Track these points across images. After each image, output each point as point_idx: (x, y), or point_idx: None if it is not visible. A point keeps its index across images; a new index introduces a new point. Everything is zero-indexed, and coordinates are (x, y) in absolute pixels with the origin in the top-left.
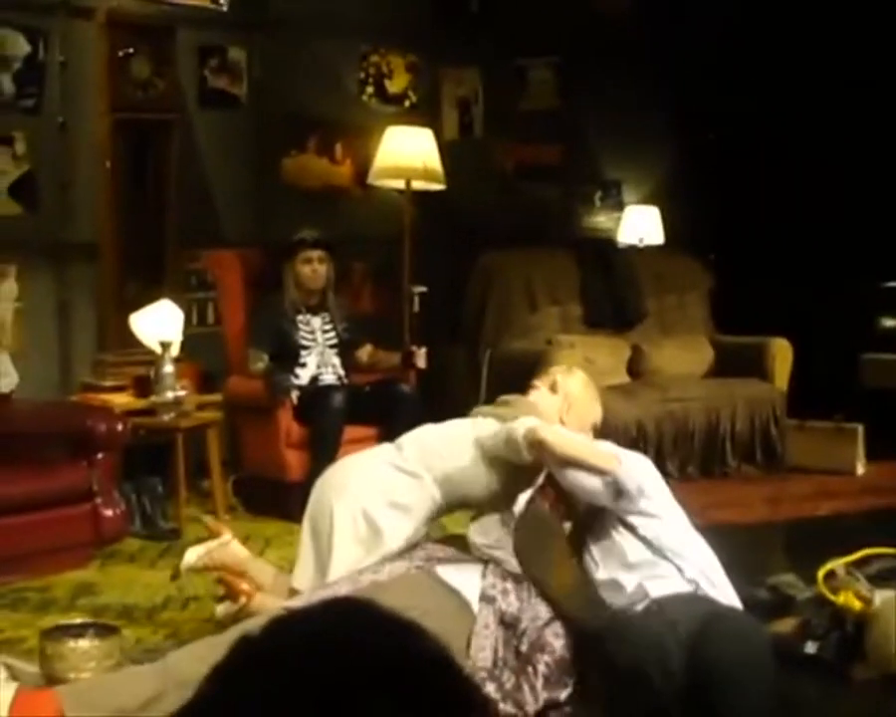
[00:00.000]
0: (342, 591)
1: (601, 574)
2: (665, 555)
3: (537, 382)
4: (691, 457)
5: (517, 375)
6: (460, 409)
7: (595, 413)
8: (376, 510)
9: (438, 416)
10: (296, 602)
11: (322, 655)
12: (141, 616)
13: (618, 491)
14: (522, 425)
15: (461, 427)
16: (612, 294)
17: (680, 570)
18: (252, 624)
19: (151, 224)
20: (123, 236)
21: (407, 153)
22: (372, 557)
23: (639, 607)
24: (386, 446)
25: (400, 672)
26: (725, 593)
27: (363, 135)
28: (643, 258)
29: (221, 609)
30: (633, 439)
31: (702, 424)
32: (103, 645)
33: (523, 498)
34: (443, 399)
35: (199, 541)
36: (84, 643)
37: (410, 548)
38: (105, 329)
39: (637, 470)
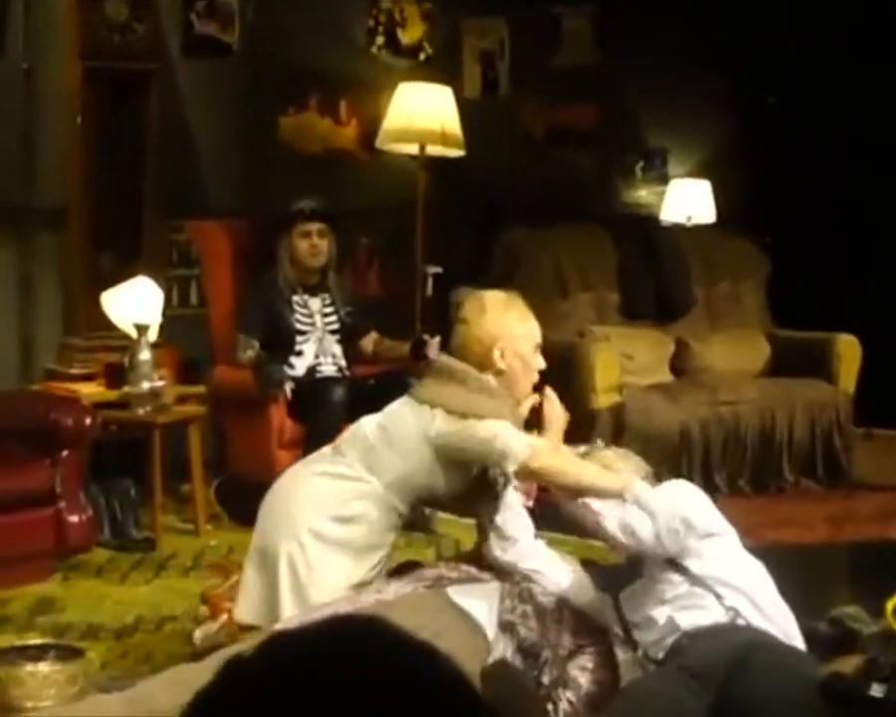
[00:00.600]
0: (342, 610)
1: (636, 615)
2: (705, 582)
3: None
4: (742, 469)
5: (544, 371)
6: None
7: (533, 333)
8: (324, 530)
9: None
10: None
11: (323, 677)
12: (109, 638)
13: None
14: (500, 440)
15: (403, 421)
16: (654, 280)
17: (719, 597)
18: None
19: (127, 189)
20: (95, 202)
21: (422, 114)
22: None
23: (668, 641)
24: (324, 451)
25: (412, 696)
26: (777, 622)
27: (372, 92)
28: (691, 239)
29: (200, 634)
30: (676, 448)
31: (755, 431)
32: (65, 670)
33: (513, 498)
34: None
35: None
36: (43, 667)
37: (416, 568)
38: (72, 308)
39: (681, 504)
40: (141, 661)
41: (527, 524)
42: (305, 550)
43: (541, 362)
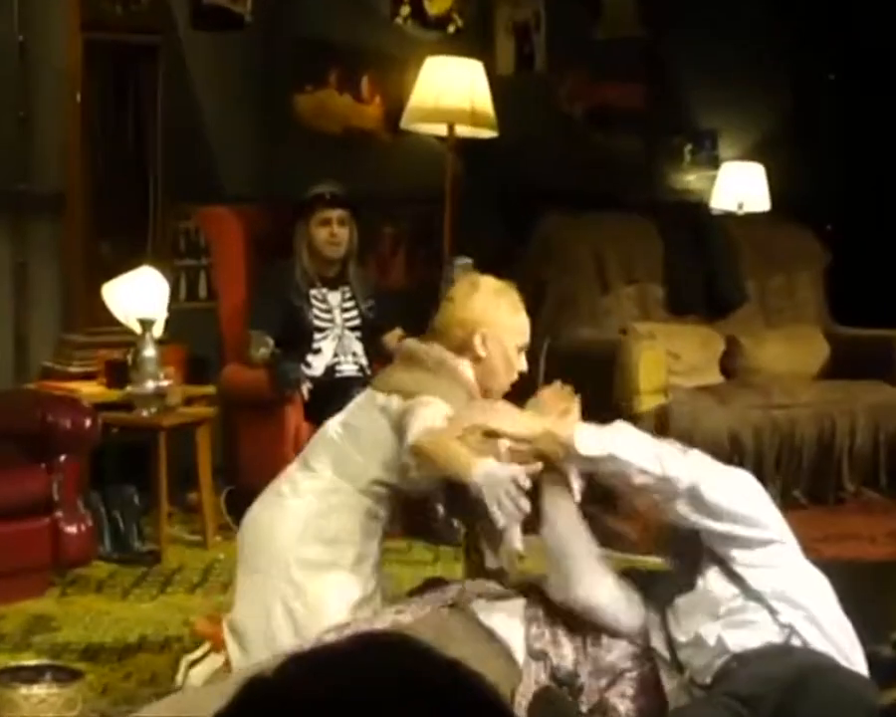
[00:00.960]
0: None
1: (683, 634)
2: (760, 596)
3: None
4: (798, 479)
5: (582, 372)
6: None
7: (521, 330)
8: (311, 559)
9: None
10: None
11: (353, 698)
12: (110, 659)
13: (693, 497)
14: (416, 419)
15: (366, 415)
16: (703, 272)
17: (773, 612)
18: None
19: (131, 172)
20: (96, 186)
21: (451, 91)
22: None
23: (717, 664)
24: (290, 469)
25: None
26: (838, 643)
27: (396, 68)
28: (743, 228)
29: (198, 673)
30: (725, 455)
31: (812, 437)
32: (62, 693)
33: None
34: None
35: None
36: (39, 690)
37: (439, 584)
38: (71, 301)
39: (738, 488)
40: (145, 684)
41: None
42: (298, 589)
43: (523, 364)
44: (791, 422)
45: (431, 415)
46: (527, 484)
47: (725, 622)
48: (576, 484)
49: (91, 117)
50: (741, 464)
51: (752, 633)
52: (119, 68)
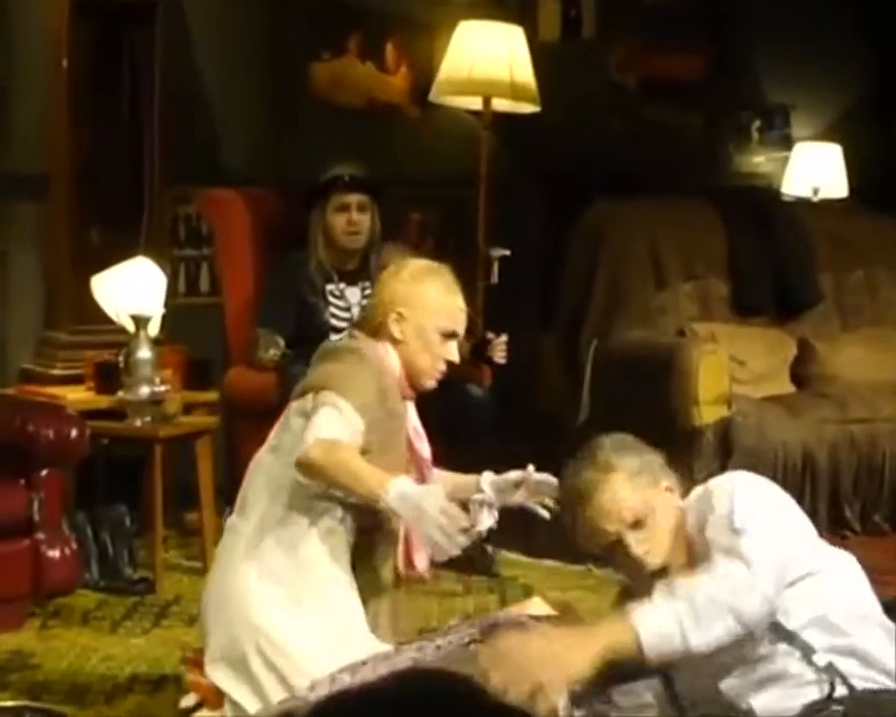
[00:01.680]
0: (379, 671)
1: (692, 691)
2: (790, 636)
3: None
4: (879, 502)
5: (633, 379)
6: (551, 421)
7: (447, 313)
8: (274, 611)
9: (521, 430)
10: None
11: None
12: (97, 700)
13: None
14: (310, 428)
15: (291, 425)
16: (772, 267)
17: (806, 653)
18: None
19: (124, 149)
20: (84, 166)
21: (487, 60)
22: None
23: None
24: (230, 522)
25: None
26: (884, 665)
27: (425, 33)
28: (819, 217)
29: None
30: (797, 475)
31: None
32: None
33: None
34: (528, 407)
35: None
36: None
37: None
38: (55, 295)
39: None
40: None
41: None
42: (275, 646)
43: (450, 353)
44: (872, 438)
45: (327, 423)
46: (462, 522)
47: (747, 678)
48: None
49: (78, 85)
50: (813, 483)
51: (784, 692)
52: (111, 30)
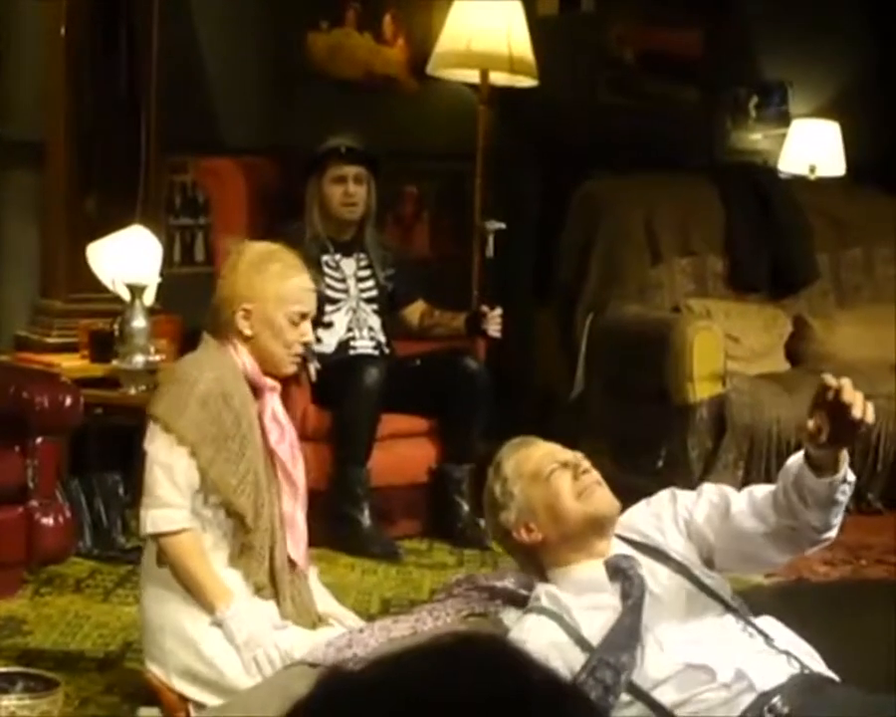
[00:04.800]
0: (379, 639)
1: (676, 653)
2: (741, 613)
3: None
4: (873, 481)
5: (628, 354)
6: (546, 395)
7: (294, 297)
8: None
9: (514, 404)
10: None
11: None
12: (90, 667)
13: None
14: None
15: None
16: (769, 244)
17: (768, 638)
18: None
19: (121, 117)
20: (80, 133)
21: (484, 32)
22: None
23: (744, 704)
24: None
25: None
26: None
27: (424, 6)
28: (815, 195)
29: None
30: (792, 450)
31: (891, 434)
32: (35, 705)
33: None
34: (523, 381)
35: None
36: (9, 702)
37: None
38: (50, 263)
39: None
40: (129, 698)
41: None
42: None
43: (303, 334)
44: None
45: (159, 488)
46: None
47: (732, 649)
48: None
49: (75, 53)
50: None
51: (766, 662)
52: None
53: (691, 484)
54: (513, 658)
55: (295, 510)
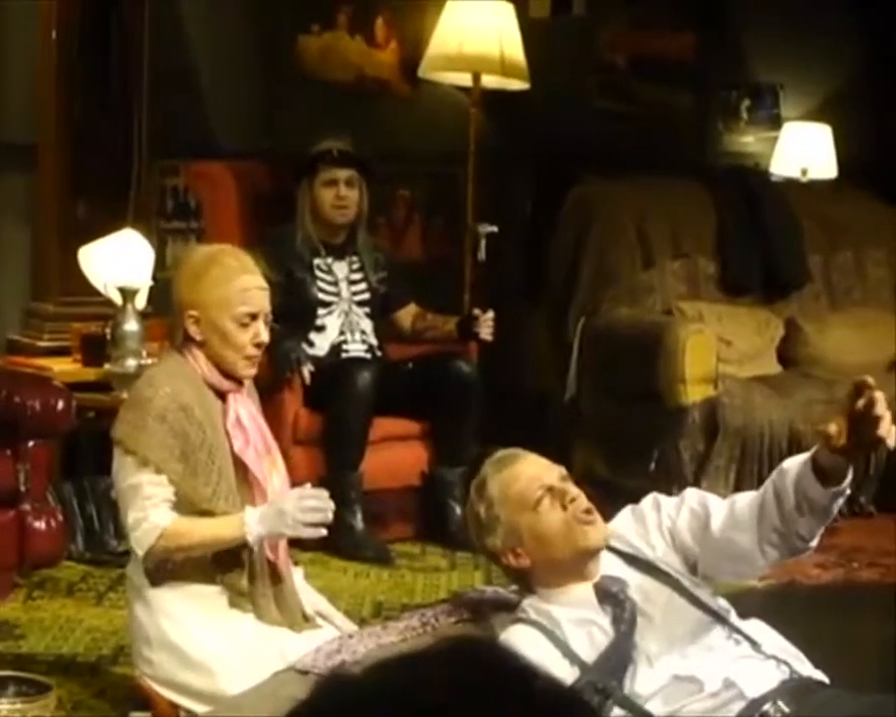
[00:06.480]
0: (368, 646)
1: (664, 667)
2: (729, 620)
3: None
4: (865, 484)
5: (620, 357)
6: (539, 398)
7: (237, 299)
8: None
9: (506, 406)
10: None
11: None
12: (82, 671)
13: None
14: (131, 516)
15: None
16: (760, 247)
17: (755, 642)
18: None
19: (112, 121)
20: (72, 136)
21: (476, 36)
22: None
23: (734, 712)
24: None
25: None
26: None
27: (415, 8)
28: (807, 197)
29: None
30: (784, 452)
31: None
32: (27, 709)
33: None
34: (515, 384)
35: None
36: (1, 706)
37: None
38: (42, 266)
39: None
40: (121, 702)
41: None
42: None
43: (256, 335)
44: None
45: (140, 513)
46: (312, 501)
47: (719, 658)
48: None
49: (67, 56)
50: None
51: (754, 669)
52: (101, 1)
53: (683, 487)
54: (515, 664)
55: None
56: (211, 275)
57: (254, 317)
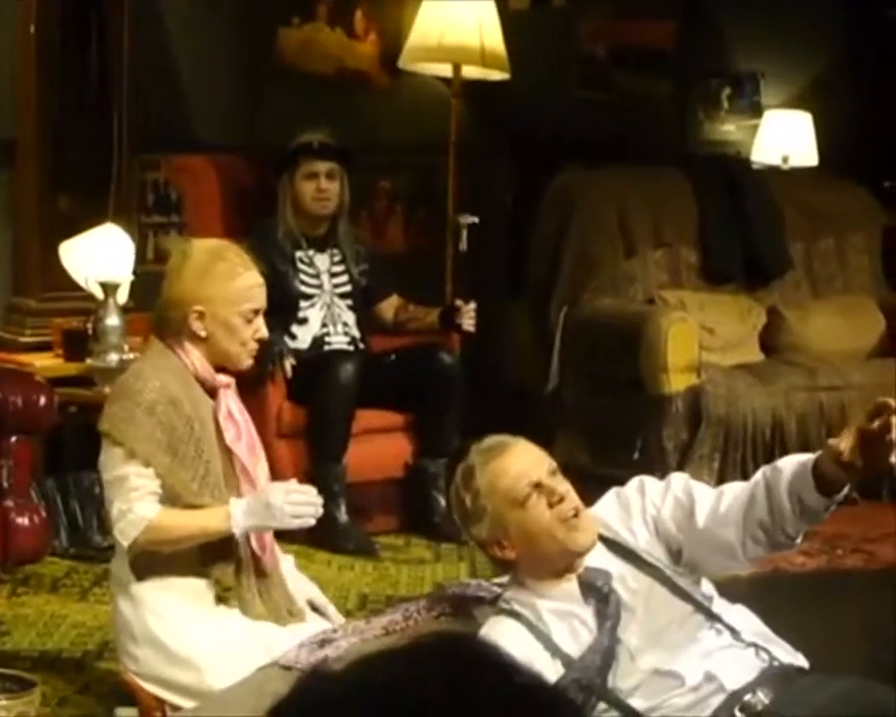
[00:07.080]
0: (351, 641)
1: (645, 661)
2: (710, 610)
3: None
4: None
5: (603, 346)
6: (521, 388)
7: (244, 296)
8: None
9: (488, 397)
10: None
11: (415, 695)
12: (67, 667)
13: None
14: (115, 507)
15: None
16: (742, 235)
17: (735, 632)
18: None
19: (92, 115)
20: (52, 131)
21: (457, 27)
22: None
23: (715, 705)
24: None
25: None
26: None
27: None
28: (788, 185)
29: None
30: (766, 443)
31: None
32: (12, 705)
33: None
34: (497, 375)
35: None
36: None
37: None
38: (23, 262)
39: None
40: (106, 697)
41: None
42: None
43: (257, 330)
44: (841, 406)
45: (125, 504)
46: (299, 496)
47: (700, 650)
48: None
49: (47, 51)
50: (783, 453)
51: (734, 659)
52: None
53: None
54: (497, 660)
55: None
56: (217, 271)
57: (256, 312)
